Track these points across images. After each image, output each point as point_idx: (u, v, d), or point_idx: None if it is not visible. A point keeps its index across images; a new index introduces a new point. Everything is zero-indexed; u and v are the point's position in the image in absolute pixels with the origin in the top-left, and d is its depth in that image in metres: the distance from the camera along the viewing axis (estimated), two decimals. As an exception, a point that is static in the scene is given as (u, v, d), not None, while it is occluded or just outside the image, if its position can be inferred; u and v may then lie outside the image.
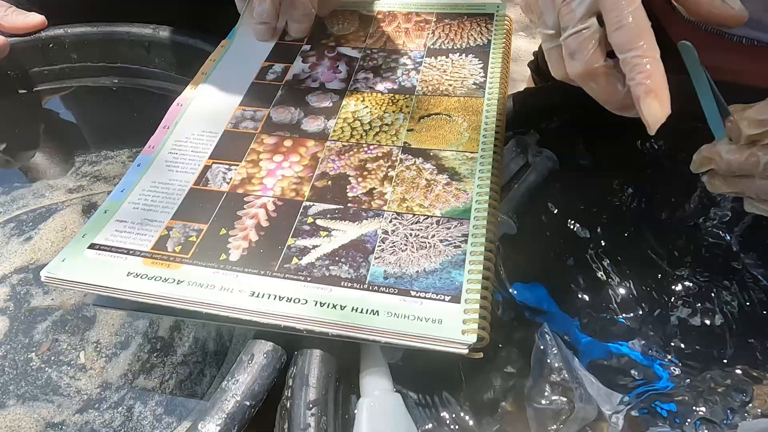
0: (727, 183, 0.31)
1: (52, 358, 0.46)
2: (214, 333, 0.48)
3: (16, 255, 0.51)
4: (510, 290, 0.45)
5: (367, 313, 0.31)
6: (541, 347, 0.38)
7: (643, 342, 0.43)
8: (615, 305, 0.45)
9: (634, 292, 0.45)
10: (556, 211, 0.48)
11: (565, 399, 0.36)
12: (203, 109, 0.46)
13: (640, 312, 0.44)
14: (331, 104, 0.46)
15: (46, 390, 0.44)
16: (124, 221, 0.37)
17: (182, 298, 0.33)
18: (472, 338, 0.29)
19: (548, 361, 0.37)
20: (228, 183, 0.40)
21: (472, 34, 0.51)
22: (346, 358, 0.34)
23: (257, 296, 0.32)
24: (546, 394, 0.36)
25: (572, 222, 0.47)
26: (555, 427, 0.36)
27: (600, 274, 0.46)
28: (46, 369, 0.45)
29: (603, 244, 0.47)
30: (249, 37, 0.53)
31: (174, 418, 0.44)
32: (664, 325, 0.44)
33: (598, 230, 0.47)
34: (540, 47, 0.76)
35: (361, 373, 0.34)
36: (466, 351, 0.29)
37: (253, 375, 0.31)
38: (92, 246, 0.36)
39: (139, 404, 0.44)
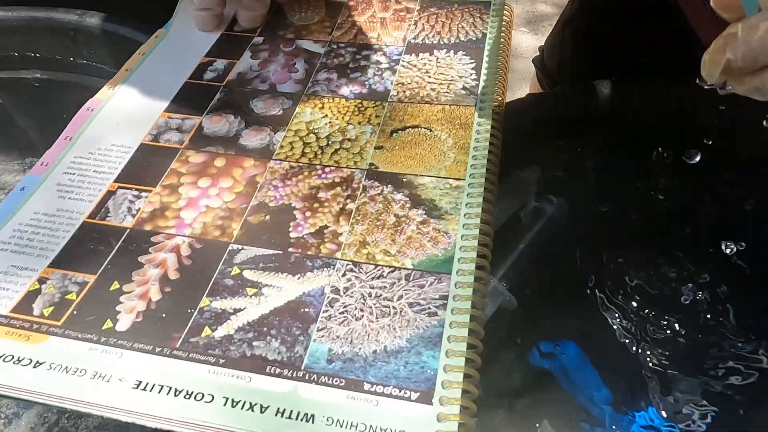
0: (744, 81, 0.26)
1: None
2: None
3: None
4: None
5: (297, 418, 0.22)
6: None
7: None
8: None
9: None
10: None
11: None
12: (118, 115, 0.36)
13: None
14: (281, 112, 0.36)
15: None
16: None
17: (39, 390, 0.23)
18: None
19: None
20: (134, 216, 0.30)
21: (463, 26, 0.41)
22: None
23: (144, 388, 0.23)
24: None
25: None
26: None
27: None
28: None
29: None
30: (188, 27, 0.43)
31: None
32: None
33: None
34: (547, 40, 0.66)
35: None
36: None
37: None
38: None
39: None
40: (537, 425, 0.35)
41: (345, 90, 0.37)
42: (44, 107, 0.53)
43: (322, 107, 0.36)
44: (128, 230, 0.29)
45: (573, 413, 0.36)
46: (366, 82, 0.38)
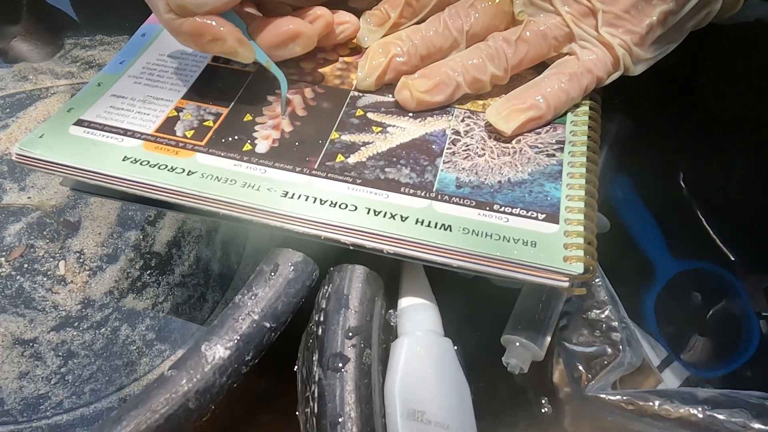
0: None
1: (26, 265, 0.39)
2: (220, 253, 0.40)
3: (-11, 144, 0.43)
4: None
5: (436, 227, 0.23)
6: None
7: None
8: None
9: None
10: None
11: (606, 341, 0.29)
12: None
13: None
14: None
15: (17, 302, 0.37)
16: (122, 97, 0.29)
17: (195, 193, 0.25)
18: (578, 267, 0.22)
19: (590, 291, 0.30)
20: (254, 63, 0.32)
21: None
22: (390, 278, 0.27)
23: (291, 197, 0.25)
24: (584, 333, 0.29)
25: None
26: (590, 374, 0.28)
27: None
28: (18, 277, 0.38)
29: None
30: None
31: (167, 345, 0.37)
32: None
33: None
34: None
35: (401, 302, 0.27)
36: (568, 284, 0.22)
37: (276, 290, 0.24)
38: (80, 122, 0.28)
39: (126, 327, 0.37)
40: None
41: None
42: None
43: None
44: (251, 74, 0.31)
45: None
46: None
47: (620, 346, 0.28)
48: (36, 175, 0.42)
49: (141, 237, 0.41)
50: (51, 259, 0.39)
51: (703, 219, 0.39)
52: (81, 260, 0.39)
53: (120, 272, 0.39)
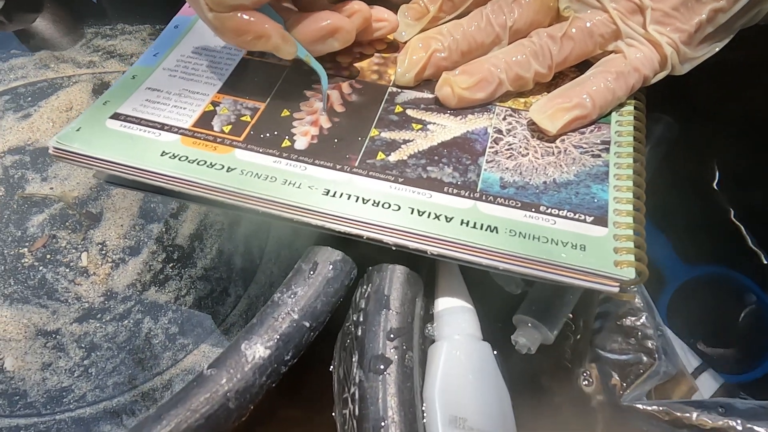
0: None
1: (48, 256, 0.38)
2: (243, 247, 0.40)
3: (10, 132, 0.43)
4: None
5: (482, 228, 0.23)
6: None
7: None
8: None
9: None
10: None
11: (642, 349, 0.28)
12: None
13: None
14: None
15: (39, 292, 0.37)
16: (158, 90, 0.29)
17: (235, 190, 0.24)
18: (629, 273, 0.22)
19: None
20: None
21: None
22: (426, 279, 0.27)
23: (333, 195, 0.24)
24: (618, 340, 0.29)
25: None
26: (625, 383, 0.28)
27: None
28: (41, 268, 0.38)
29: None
30: None
31: (190, 339, 0.37)
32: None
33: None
34: None
35: (438, 303, 0.27)
36: (617, 289, 0.22)
37: (315, 289, 0.23)
38: (116, 116, 0.27)
39: (149, 320, 0.37)
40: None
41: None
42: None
43: None
44: (287, 68, 0.30)
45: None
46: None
47: (656, 355, 0.27)
48: (58, 165, 0.42)
49: (163, 229, 0.40)
50: (73, 251, 0.39)
51: (737, 222, 0.39)
52: (103, 252, 0.39)
53: (142, 265, 0.39)
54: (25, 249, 0.39)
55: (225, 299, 0.38)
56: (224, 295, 0.38)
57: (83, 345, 0.36)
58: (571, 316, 0.31)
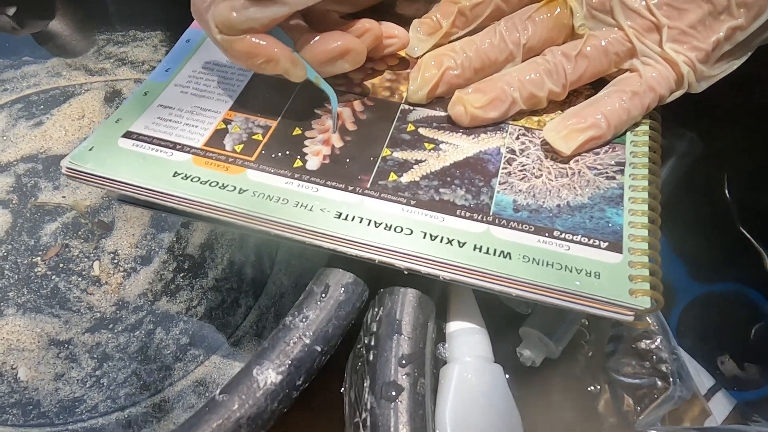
0: None
1: (61, 265, 0.39)
2: (253, 257, 0.40)
3: (23, 141, 0.43)
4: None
5: (495, 254, 0.23)
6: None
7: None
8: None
9: None
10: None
11: (656, 373, 0.28)
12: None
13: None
14: None
15: (52, 302, 0.37)
16: (170, 107, 0.29)
17: (247, 212, 0.24)
18: (644, 302, 0.21)
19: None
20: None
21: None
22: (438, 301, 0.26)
23: (345, 218, 0.24)
24: (632, 363, 0.28)
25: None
26: (639, 407, 0.28)
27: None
28: (53, 277, 0.38)
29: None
30: None
31: (201, 350, 0.37)
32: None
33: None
34: None
35: (449, 325, 0.27)
36: (632, 318, 0.22)
37: (327, 313, 0.23)
38: (129, 134, 0.27)
39: (160, 330, 0.37)
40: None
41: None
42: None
43: None
44: (298, 84, 0.30)
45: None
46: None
47: (670, 379, 0.27)
48: (70, 173, 0.42)
49: (174, 239, 0.40)
50: (85, 260, 0.39)
51: (749, 236, 0.39)
52: (115, 261, 0.39)
53: (154, 274, 0.39)
54: (38, 258, 0.39)
55: (236, 310, 0.38)
56: (235, 305, 0.39)
57: (95, 355, 0.36)
58: (586, 335, 0.31)
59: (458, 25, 0.29)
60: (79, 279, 0.38)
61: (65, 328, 0.37)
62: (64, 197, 0.41)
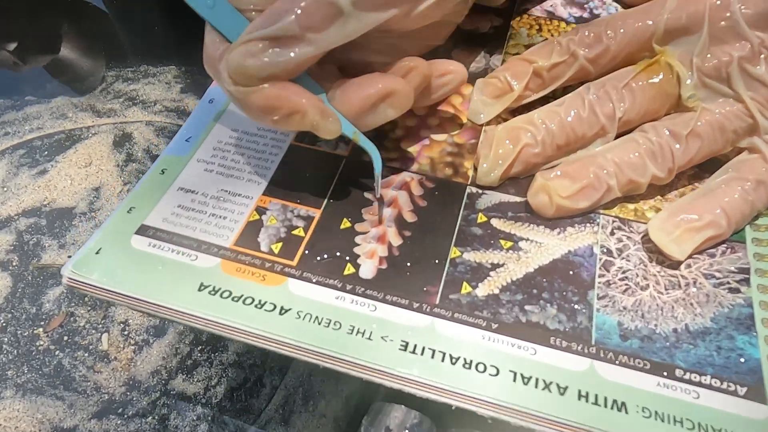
0: None
1: (65, 338, 0.35)
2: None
3: (25, 191, 0.39)
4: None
5: (606, 405, 0.18)
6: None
7: None
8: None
9: None
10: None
11: None
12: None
13: None
14: (491, 30, 0.31)
15: (55, 381, 0.33)
16: (192, 191, 0.24)
17: (291, 342, 0.19)
18: None
19: None
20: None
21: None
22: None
23: (413, 351, 0.19)
24: None
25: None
26: None
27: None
28: (57, 353, 0.34)
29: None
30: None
31: (221, 441, 0.33)
32: None
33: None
34: None
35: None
36: None
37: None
38: (143, 230, 0.23)
39: (175, 415, 0.33)
40: None
41: (562, 11, 0.32)
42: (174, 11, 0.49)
43: (540, 29, 0.31)
44: (344, 158, 0.25)
45: None
46: (586, 6, 0.32)
47: None
48: (77, 230, 0.38)
49: (191, 306, 0.36)
50: (93, 331, 0.35)
51: None
52: (125, 332, 0.35)
53: (168, 348, 0.35)
54: (40, 329, 0.35)
55: (260, 391, 0.34)
56: (258, 385, 0.34)
57: (103, 446, 0.32)
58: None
59: (532, 87, 0.25)
60: (86, 354, 0.34)
61: (69, 413, 0.33)
62: (69, 257, 0.37)
